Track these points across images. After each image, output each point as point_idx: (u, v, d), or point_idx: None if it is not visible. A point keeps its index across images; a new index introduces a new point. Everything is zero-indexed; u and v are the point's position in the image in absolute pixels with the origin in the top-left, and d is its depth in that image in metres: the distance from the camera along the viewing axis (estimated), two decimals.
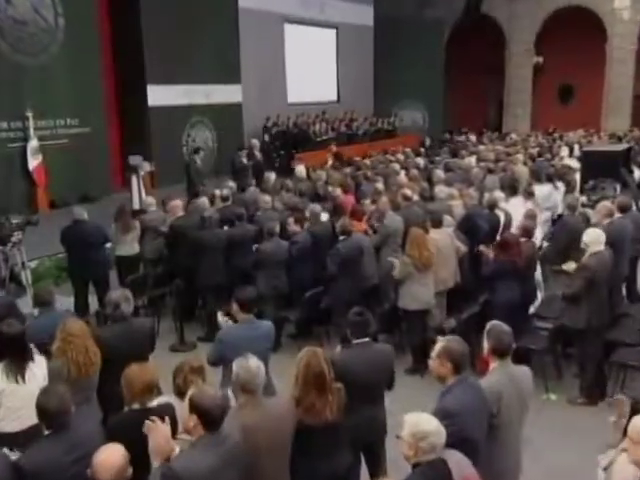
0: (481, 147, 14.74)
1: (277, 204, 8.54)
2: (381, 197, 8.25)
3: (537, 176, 10.31)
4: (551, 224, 9.46)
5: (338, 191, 9.28)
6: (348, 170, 11.93)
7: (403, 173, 10.78)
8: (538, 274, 7.06)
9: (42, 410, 3.18)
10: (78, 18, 13.34)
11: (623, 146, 13.12)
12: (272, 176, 10.72)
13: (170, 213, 8.30)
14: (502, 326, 3.67)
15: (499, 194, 8.54)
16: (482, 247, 6.96)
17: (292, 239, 7.50)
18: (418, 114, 24.62)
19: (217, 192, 9.39)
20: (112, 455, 2.90)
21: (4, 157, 12.16)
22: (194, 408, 3.00)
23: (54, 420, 3.16)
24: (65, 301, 7.34)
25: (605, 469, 3.19)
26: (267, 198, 8.44)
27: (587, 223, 7.71)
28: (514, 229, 7.58)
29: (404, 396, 4.50)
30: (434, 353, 3.49)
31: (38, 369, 3.99)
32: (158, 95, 15.40)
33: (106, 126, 14.56)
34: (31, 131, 12.41)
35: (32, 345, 4.12)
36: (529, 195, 9.11)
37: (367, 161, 12.97)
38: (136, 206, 11.51)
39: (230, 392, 3.54)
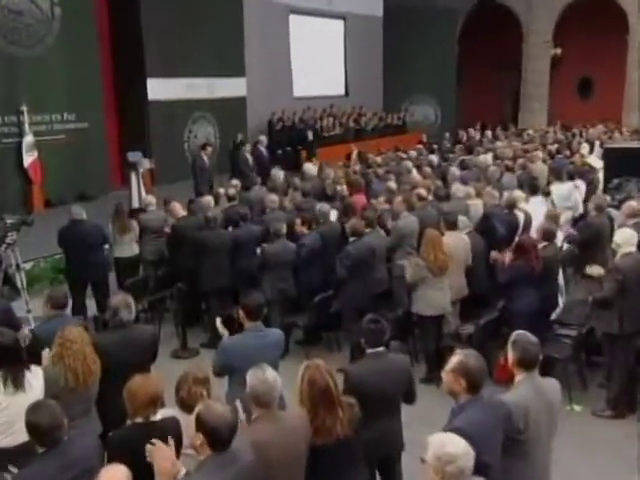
0: (498, 144, 14.64)
1: (287, 204, 8.46)
2: (394, 196, 8.17)
3: (557, 174, 10.22)
4: (571, 225, 9.36)
5: (345, 189, 9.22)
6: (357, 168, 11.86)
7: (415, 171, 10.71)
8: (560, 278, 6.98)
9: (33, 427, 3.10)
10: (75, 8, 13.33)
11: None
12: (280, 174, 10.66)
13: (172, 214, 8.26)
14: (528, 336, 3.59)
15: (519, 193, 8.46)
16: (495, 254, 6.87)
17: (299, 241, 7.45)
18: (430, 109, 24.54)
19: (221, 191, 9.35)
20: (115, 478, 2.83)
21: None
22: (201, 426, 2.91)
23: (47, 437, 3.08)
24: None
25: None
26: (274, 197, 8.38)
27: (611, 224, 7.64)
28: (534, 230, 7.50)
29: (419, 407, 4.42)
30: (449, 366, 3.38)
31: (35, 380, 3.92)
32: (158, 89, 15.37)
33: (104, 121, 14.54)
34: (26, 126, 12.40)
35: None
36: (546, 194, 9.04)
37: (378, 158, 12.89)
38: (135, 204, 11.47)
39: (239, 404, 3.47)
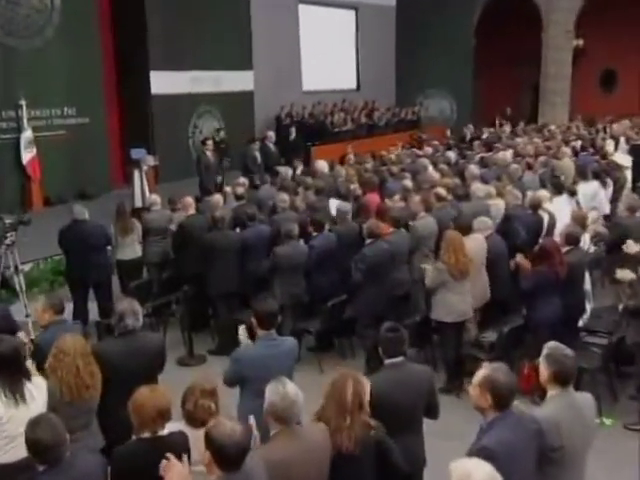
0: (518, 140, 14.51)
1: (299, 203, 8.40)
2: (411, 196, 8.10)
3: (582, 173, 10.10)
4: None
5: (358, 188, 9.15)
6: (369, 165, 11.78)
7: (431, 168, 10.62)
8: (587, 283, 6.88)
9: (33, 444, 3.04)
10: None
11: None
12: (289, 172, 10.60)
13: (182, 211, 8.22)
14: (563, 349, 3.51)
15: (544, 193, 8.36)
16: (519, 258, 6.77)
17: (310, 242, 7.39)
18: (445, 103, 24.41)
19: (228, 189, 9.30)
20: None
21: None
22: (208, 444, 2.86)
23: (48, 454, 3.02)
24: None
25: None
26: (285, 197, 8.32)
27: None
28: (558, 233, 7.40)
29: (439, 419, 4.34)
30: (475, 380, 3.31)
31: (38, 392, 3.85)
32: (162, 82, 15.34)
33: (106, 116, 14.56)
34: (24, 121, 12.42)
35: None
36: (572, 193, 8.94)
37: (392, 155, 12.81)
38: (138, 204, 11.46)
39: (252, 420, 3.40)
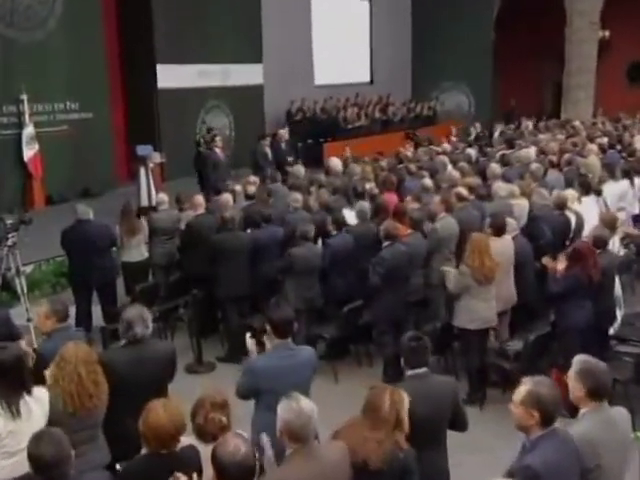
0: (541, 136, 14.39)
1: (312, 203, 8.35)
2: (429, 196, 8.02)
3: (610, 171, 9.98)
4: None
5: (374, 187, 9.09)
6: (384, 163, 11.71)
7: (450, 167, 10.53)
8: (618, 289, 6.78)
9: (36, 460, 2.98)
10: None
11: None
12: (301, 170, 10.56)
13: (191, 210, 8.19)
14: (597, 363, 3.47)
15: (571, 192, 8.27)
16: (547, 260, 6.68)
17: (324, 243, 7.33)
18: (463, 98, 24.29)
19: (238, 188, 9.25)
20: None
21: None
22: (213, 461, 2.85)
23: (51, 472, 2.96)
24: None
25: None
26: (297, 196, 8.27)
27: None
28: (586, 234, 7.31)
29: (463, 433, 4.28)
30: (517, 398, 3.27)
31: (37, 405, 3.78)
32: (169, 76, 15.35)
33: (110, 111, 14.58)
34: (26, 117, 12.45)
35: None
36: (598, 193, 8.84)
37: (409, 153, 12.72)
38: (144, 202, 11.43)
39: (265, 439, 3.34)
